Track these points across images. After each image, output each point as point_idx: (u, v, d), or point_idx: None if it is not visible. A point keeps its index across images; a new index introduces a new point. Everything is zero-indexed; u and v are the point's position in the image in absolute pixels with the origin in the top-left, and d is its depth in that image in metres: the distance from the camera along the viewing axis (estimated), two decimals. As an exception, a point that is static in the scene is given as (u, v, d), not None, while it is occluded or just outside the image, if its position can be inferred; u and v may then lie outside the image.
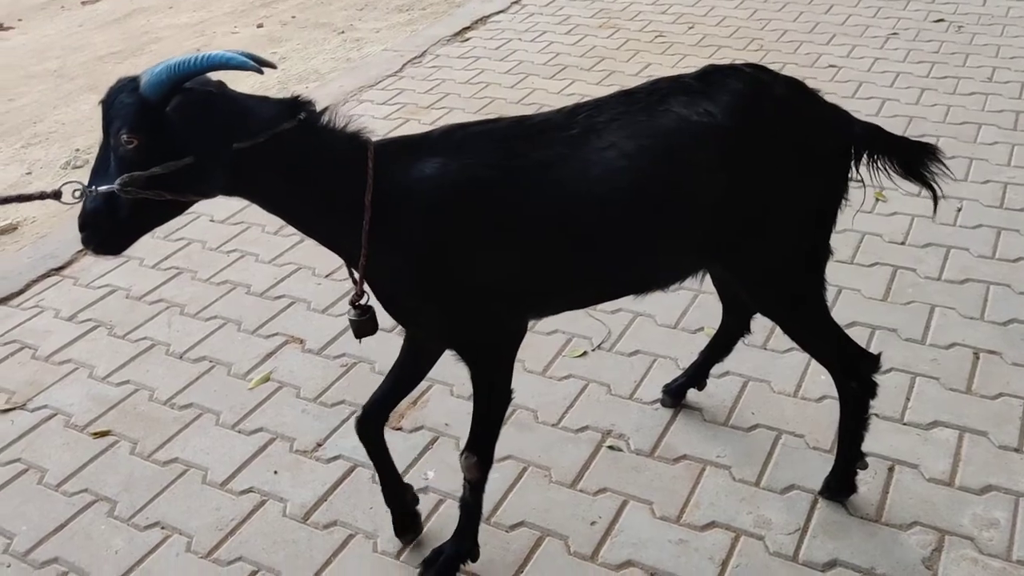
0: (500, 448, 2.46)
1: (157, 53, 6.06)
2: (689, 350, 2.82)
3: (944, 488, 2.30)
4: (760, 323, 2.93)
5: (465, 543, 2.10)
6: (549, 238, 1.85)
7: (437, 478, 2.42)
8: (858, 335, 2.85)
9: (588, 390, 2.71)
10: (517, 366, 2.69)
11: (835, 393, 2.60)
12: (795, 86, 1.99)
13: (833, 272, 3.18)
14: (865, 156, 2.00)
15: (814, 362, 2.74)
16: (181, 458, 2.54)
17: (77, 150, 4.77)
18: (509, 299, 1.93)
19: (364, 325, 1.94)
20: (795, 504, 2.29)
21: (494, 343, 1.99)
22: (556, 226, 1.84)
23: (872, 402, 2.18)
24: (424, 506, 2.33)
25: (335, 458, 2.49)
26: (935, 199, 2.07)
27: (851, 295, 3.03)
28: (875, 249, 3.28)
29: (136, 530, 2.32)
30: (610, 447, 2.50)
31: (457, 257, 1.84)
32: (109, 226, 1.70)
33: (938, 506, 2.25)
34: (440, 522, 2.30)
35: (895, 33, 5.18)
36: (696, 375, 2.57)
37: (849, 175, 2.01)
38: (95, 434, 2.65)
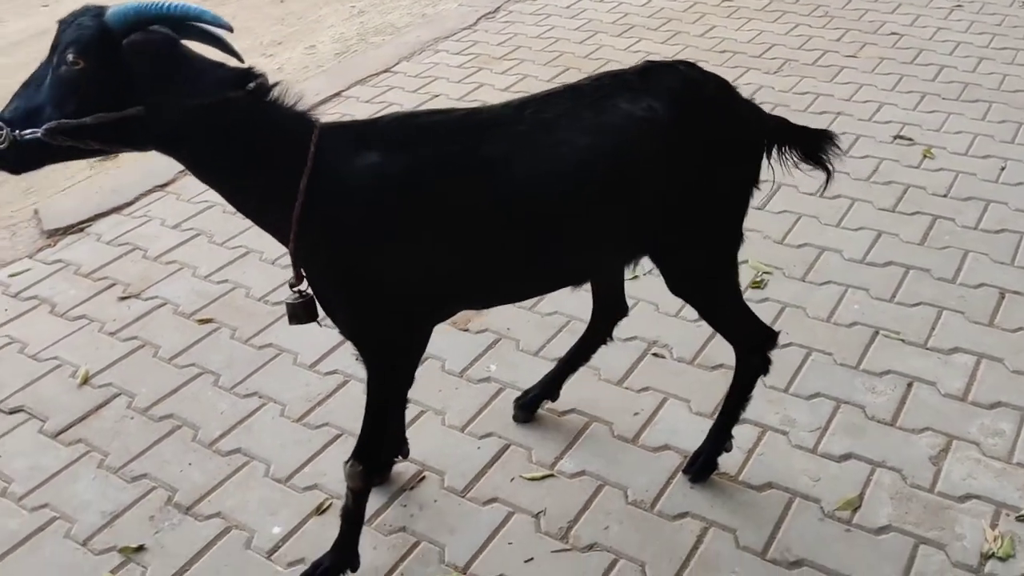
0: (553, 350, 2.82)
1: (236, 5, 6.47)
2: (733, 279, 3.12)
3: (957, 402, 2.57)
4: (802, 256, 3.21)
5: (344, 552, 2.12)
6: (493, 235, 1.86)
7: (498, 370, 2.78)
8: (892, 273, 3.12)
9: (638, 307, 3.02)
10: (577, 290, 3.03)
11: (866, 319, 2.90)
12: (723, 85, 2.09)
13: (875, 218, 3.45)
14: (775, 147, 2.14)
15: (849, 291, 3.04)
16: (275, 344, 2.94)
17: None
18: (434, 298, 1.95)
19: (297, 309, 1.93)
20: (818, 408, 2.59)
21: (403, 346, 2.01)
22: (501, 223, 1.85)
23: (764, 377, 2.35)
24: (487, 393, 2.69)
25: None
26: (828, 177, 2.22)
27: (890, 239, 3.29)
28: (918, 199, 3.52)
29: (237, 397, 2.73)
30: (655, 354, 2.82)
31: (390, 253, 1.83)
32: (14, 154, 1.69)
33: (949, 416, 2.53)
34: (500, 406, 2.65)
35: (959, 5, 5.33)
36: (552, 384, 2.58)
37: (760, 166, 2.15)
38: (200, 321, 3.07)
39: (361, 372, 2.83)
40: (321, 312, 1.98)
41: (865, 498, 2.30)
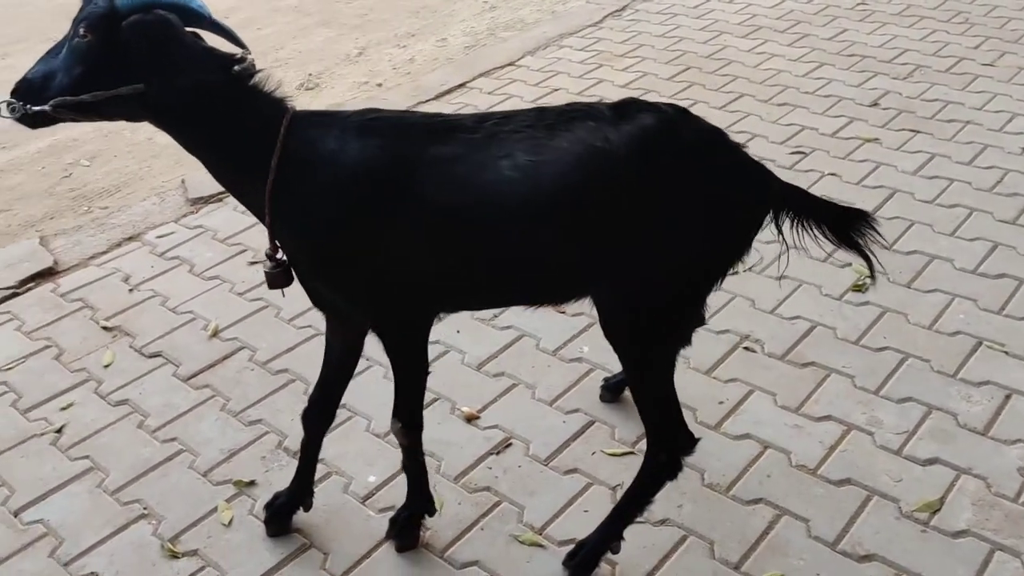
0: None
1: (382, -4, 6.83)
2: (835, 281, 3.14)
3: (1058, 418, 2.53)
4: (910, 263, 3.21)
5: (418, 501, 2.27)
6: (433, 231, 1.90)
7: (590, 352, 2.91)
8: (1005, 286, 3.06)
9: (734, 302, 3.09)
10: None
11: (971, 329, 2.88)
12: (711, 136, 1.97)
13: (994, 230, 3.37)
14: (787, 218, 1.97)
15: (956, 300, 3.01)
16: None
17: (310, 74, 5.57)
18: (394, 285, 1.99)
19: (276, 277, 2.06)
20: (908, 412, 2.60)
21: (396, 322, 2.07)
22: (440, 221, 1.89)
23: (668, 483, 2.16)
24: (577, 372, 2.83)
25: (507, 327, 3.04)
26: (871, 268, 2.01)
27: (1006, 251, 3.23)
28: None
29: (347, 358, 2.98)
30: (745, 348, 2.89)
31: (347, 235, 1.93)
32: (30, 119, 1.89)
33: (1048, 431, 2.49)
34: (589, 385, 2.79)
35: (1120, 13, 5.06)
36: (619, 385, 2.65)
37: (752, 238, 1.98)
38: (319, 288, 3.35)
39: (459, 347, 2.98)
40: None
41: (946, 502, 2.31)
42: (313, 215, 1.94)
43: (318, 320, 3.17)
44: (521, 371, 2.86)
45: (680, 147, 1.91)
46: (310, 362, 2.95)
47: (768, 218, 1.99)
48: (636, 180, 1.87)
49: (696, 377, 2.79)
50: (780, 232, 1.98)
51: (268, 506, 2.37)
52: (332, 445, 2.61)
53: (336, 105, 4.99)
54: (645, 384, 2.11)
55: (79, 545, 2.33)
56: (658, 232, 1.90)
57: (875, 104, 4.35)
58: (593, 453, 2.55)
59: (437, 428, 2.65)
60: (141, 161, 4.61)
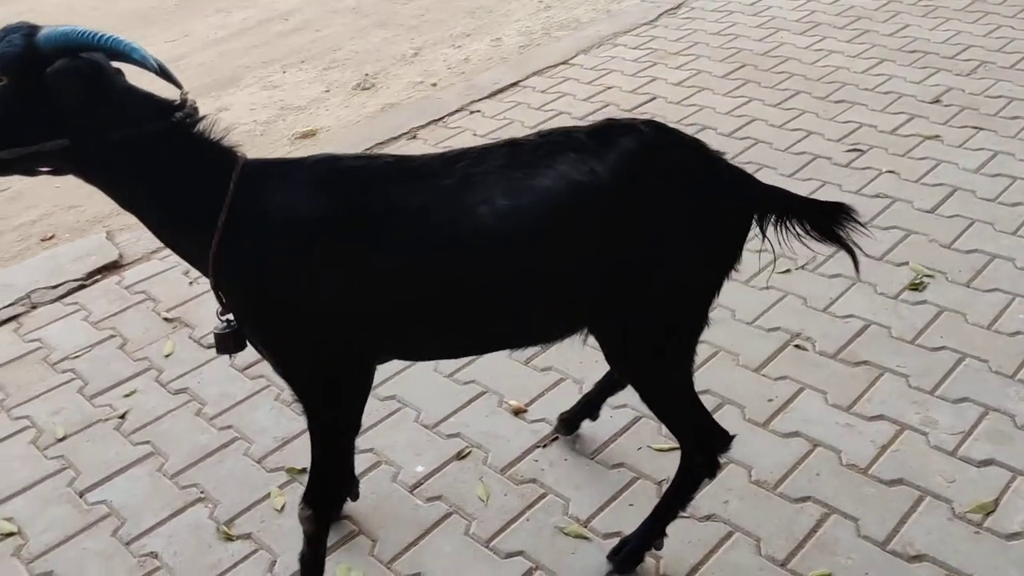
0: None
1: (438, -3, 6.92)
2: (891, 279, 3.10)
3: (1123, 421, 2.46)
4: (970, 262, 3.14)
5: None
6: (407, 290, 1.80)
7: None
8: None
9: (785, 300, 3.07)
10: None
11: (1029, 328, 2.80)
12: (693, 149, 1.92)
13: None
14: (773, 221, 1.94)
15: (1017, 300, 2.94)
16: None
17: (366, 75, 5.68)
18: (352, 343, 1.87)
19: (226, 340, 1.91)
20: (964, 412, 2.55)
21: (331, 393, 1.94)
22: (416, 278, 1.79)
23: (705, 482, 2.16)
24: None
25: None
26: (855, 260, 2.00)
27: None
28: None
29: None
30: (796, 346, 2.87)
31: (300, 295, 1.79)
32: None
33: (1112, 435, 2.42)
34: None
35: None
36: (590, 405, 2.55)
37: (743, 244, 1.95)
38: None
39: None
40: None
41: (1001, 504, 2.26)
42: (263, 276, 1.80)
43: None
44: (569, 366, 2.88)
45: (664, 166, 1.85)
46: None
47: (753, 222, 1.97)
48: (626, 209, 1.80)
49: (744, 374, 2.78)
50: (764, 235, 1.95)
51: None
52: (381, 435, 2.67)
53: (391, 104, 5.08)
54: (666, 405, 2.08)
55: (140, 526, 2.43)
56: (653, 256, 1.85)
57: (936, 101, 4.27)
58: (639, 448, 2.56)
59: (485, 421, 2.69)
60: (203, 159, 4.77)
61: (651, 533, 2.19)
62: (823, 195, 3.63)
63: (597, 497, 2.42)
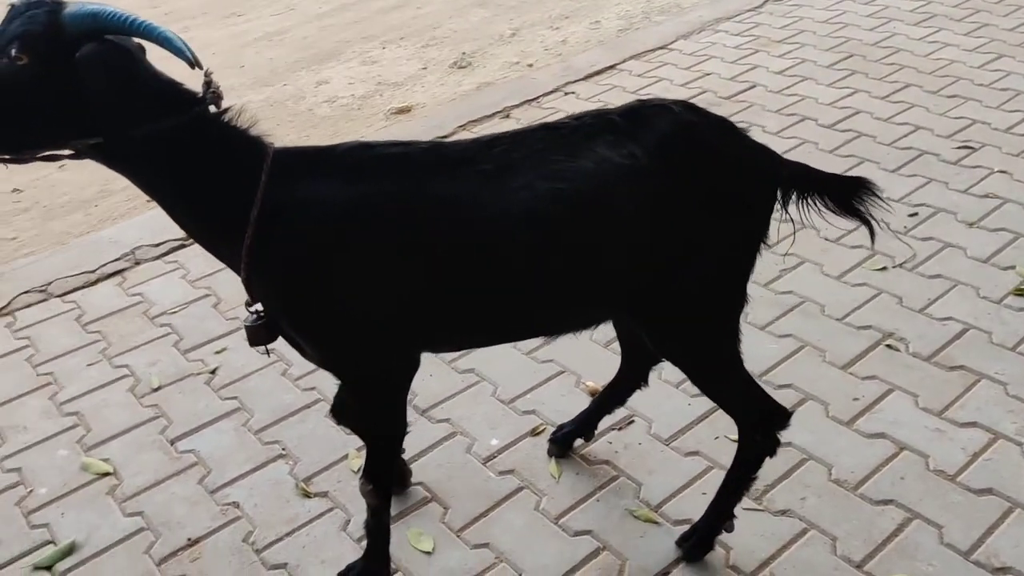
0: (781, 326, 2.88)
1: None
2: (996, 283, 2.97)
3: None
4: (1077, 265, 2.96)
5: (374, 564, 2.14)
6: (447, 278, 1.76)
7: (722, 338, 2.89)
8: None
9: (879, 298, 2.98)
10: (814, 268, 3.06)
11: None
12: (723, 127, 1.90)
13: None
14: (794, 196, 1.94)
15: None
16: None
17: (463, 53, 5.73)
18: (394, 335, 1.86)
19: (257, 332, 1.86)
20: (1066, 426, 2.43)
21: (377, 379, 1.93)
22: (456, 267, 1.75)
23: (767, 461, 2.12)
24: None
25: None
26: (872, 233, 1.99)
27: None
28: None
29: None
30: (888, 346, 2.78)
31: (339, 288, 1.75)
32: None
33: None
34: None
35: None
36: (586, 423, 2.49)
37: (770, 219, 1.95)
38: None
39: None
40: None
41: (1099, 523, 2.16)
42: (301, 270, 1.75)
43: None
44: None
45: (698, 145, 1.85)
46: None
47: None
48: (665, 190, 1.80)
49: (830, 371, 2.71)
50: (786, 210, 1.96)
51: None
52: (459, 407, 2.71)
53: (486, 83, 5.12)
54: (718, 384, 2.07)
55: (224, 476, 2.54)
56: (690, 235, 1.84)
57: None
58: (716, 438, 2.53)
59: (561, 399, 2.71)
60: (301, 131, 4.90)
61: (718, 518, 2.17)
62: (928, 193, 3.50)
63: (670, 483, 2.41)
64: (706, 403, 2.64)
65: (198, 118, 1.67)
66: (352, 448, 2.60)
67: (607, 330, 2.93)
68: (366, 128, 4.82)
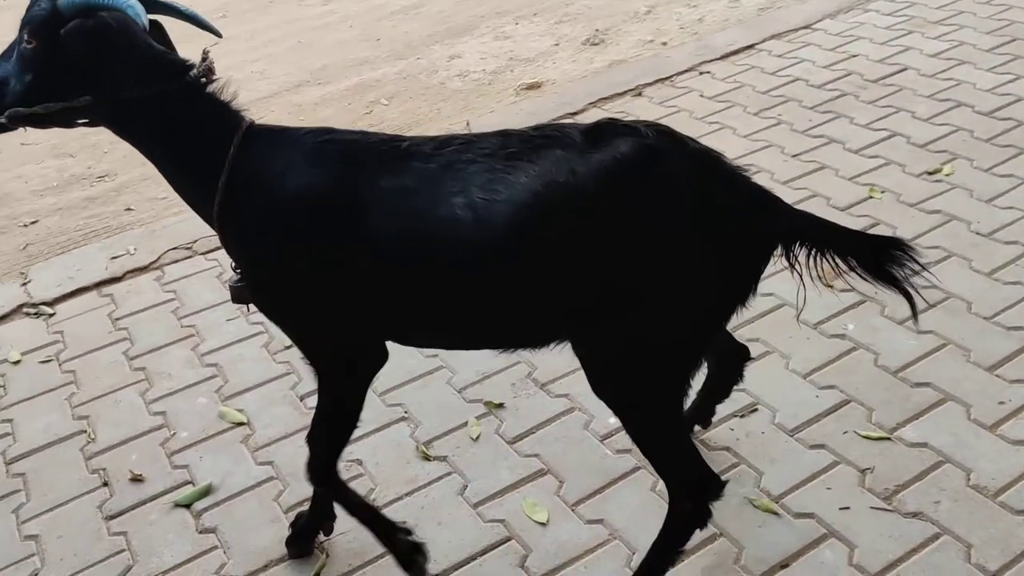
0: (921, 322, 2.76)
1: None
2: None
3: None
4: None
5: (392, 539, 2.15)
6: (377, 267, 1.78)
7: (855, 330, 2.79)
8: None
9: (1036, 299, 2.81)
10: (962, 263, 2.91)
11: None
12: (702, 161, 1.74)
13: None
14: (804, 252, 1.75)
15: None
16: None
17: (596, 30, 5.69)
18: (342, 321, 1.89)
19: (240, 292, 1.97)
20: None
21: (337, 360, 1.96)
22: (385, 258, 1.76)
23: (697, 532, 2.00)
24: (838, 349, 2.73)
25: (768, 294, 2.97)
26: (912, 307, 1.77)
27: None
28: None
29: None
30: (1042, 350, 2.62)
31: (285, 266, 1.84)
32: None
33: None
34: (850, 363, 2.68)
35: None
36: (701, 408, 2.39)
37: (758, 276, 1.79)
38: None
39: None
40: None
41: None
42: (255, 239, 1.86)
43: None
44: (776, 339, 2.80)
45: (662, 178, 1.70)
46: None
47: (778, 252, 1.79)
48: (608, 219, 1.68)
49: (975, 372, 2.58)
50: (792, 268, 1.77)
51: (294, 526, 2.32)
52: (577, 383, 2.71)
53: (618, 61, 5.08)
54: (652, 443, 1.94)
55: (348, 434, 2.65)
56: (635, 278, 1.72)
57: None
58: (845, 432, 2.46)
59: (683, 383, 2.68)
60: (433, 103, 5.00)
61: None
62: (1095, 188, 3.26)
63: (792, 475, 2.36)
64: (836, 395, 2.57)
65: (185, 86, 1.81)
66: (472, 416, 2.66)
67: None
68: (496, 103, 4.87)
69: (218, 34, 1.96)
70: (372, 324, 1.93)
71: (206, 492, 2.49)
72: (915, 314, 1.83)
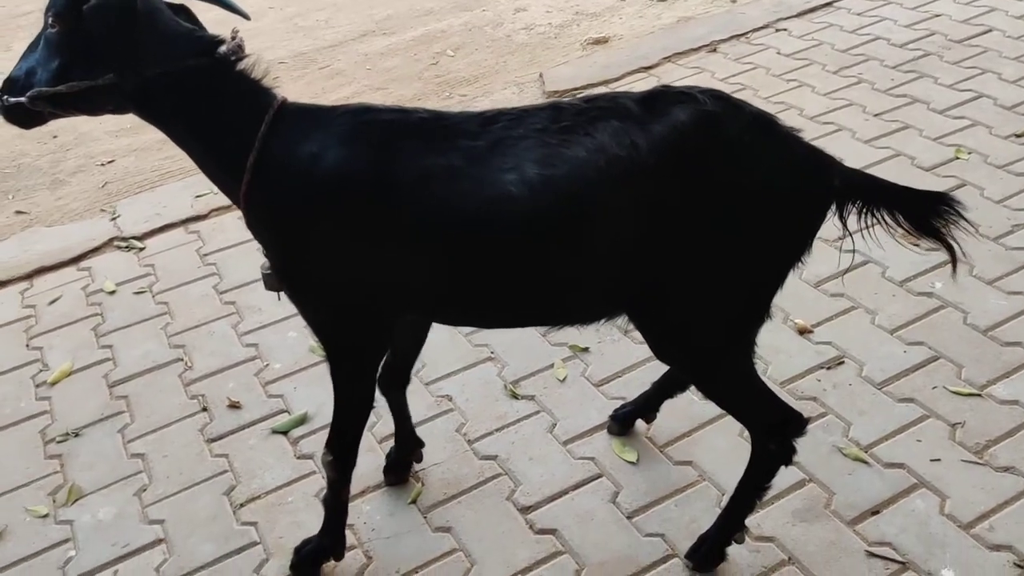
0: (1012, 283, 2.76)
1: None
2: None
3: None
4: None
5: (327, 539, 2.12)
6: (423, 253, 1.75)
7: (943, 288, 2.80)
8: None
9: None
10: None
11: None
12: (759, 124, 1.73)
13: None
14: (855, 209, 1.76)
15: None
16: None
17: (664, -14, 5.63)
18: (372, 305, 1.85)
19: (271, 280, 1.91)
20: None
21: (354, 347, 1.93)
22: (433, 245, 1.73)
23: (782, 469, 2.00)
24: (925, 306, 2.75)
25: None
26: (953, 260, 1.79)
27: None
28: None
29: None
30: None
31: (318, 248, 1.80)
32: (14, 115, 1.84)
33: None
34: (938, 321, 2.70)
35: None
36: (646, 406, 2.40)
37: (815, 233, 1.79)
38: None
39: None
40: None
41: None
42: (285, 222, 1.82)
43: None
44: (862, 295, 2.82)
45: (724, 146, 1.69)
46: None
47: (832, 210, 1.80)
48: (672, 192, 1.68)
49: (1067, 333, 2.59)
50: (845, 225, 1.79)
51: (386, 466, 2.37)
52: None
53: (686, 18, 5.04)
54: (724, 396, 1.97)
55: (437, 371, 2.72)
56: (705, 245, 1.72)
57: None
58: (934, 387, 2.48)
59: (768, 335, 2.66)
60: (499, 56, 5.01)
61: (728, 528, 2.07)
62: None
63: (881, 426, 2.39)
64: (924, 351, 2.60)
65: (214, 63, 1.78)
66: (557, 359, 2.72)
67: (818, 270, 2.91)
68: (563, 57, 4.87)
69: (246, 16, 1.91)
70: (397, 308, 1.91)
71: (302, 420, 2.58)
72: (955, 267, 1.84)
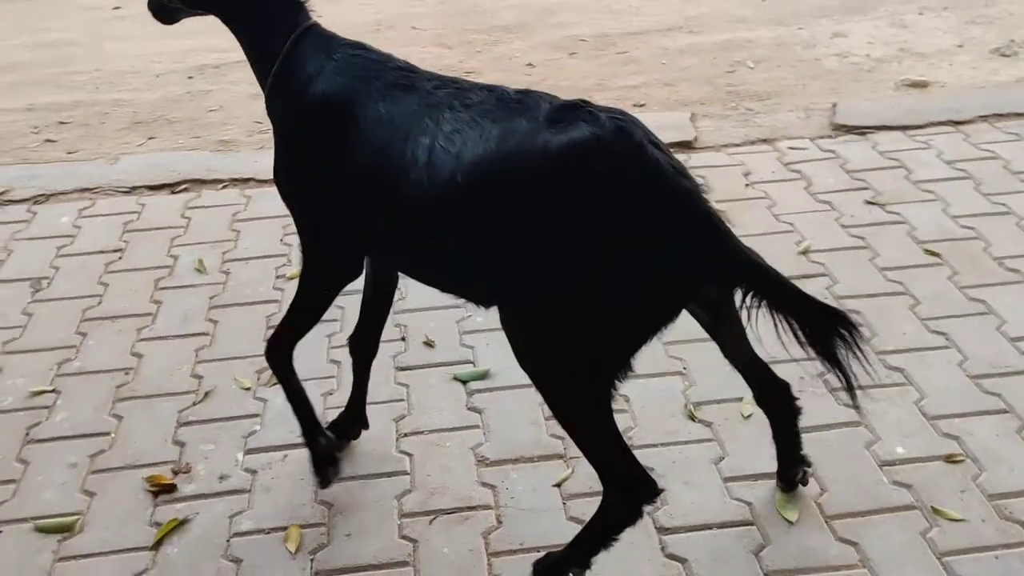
0: None
1: None
2: None
3: None
4: None
5: (305, 437, 2.32)
6: (356, 183, 1.95)
7: None
8: None
9: None
10: None
11: None
12: (647, 167, 1.68)
13: None
14: (739, 295, 1.73)
15: None
16: (982, 299, 2.95)
17: (1012, 40, 5.11)
18: (337, 223, 2.06)
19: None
20: None
21: (323, 257, 2.14)
22: (361, 176, 1.93)
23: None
24: None
25: None
26: (851, 390, 1.77)
27: None
28: None
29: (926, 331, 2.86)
30: None
31: (299, 156, 2.08)
32: (156, 9, 2.24)
33: None
34: None
35: None
36: (784, 462, 2.27)
37: (678, 300, 1.77)
38: (927, 251, 3.20)
39: None
40: None
41: None
42: (282, 130, 2.13)
43: (913, 283, 3.06)
44: None
45: (596, 176, 1.69)
46: (890, 319, 2.90)
47: (713, 289, 1.82)
48: (535, 202, 1.72)
49: None
50: (713, 306, 1.87)
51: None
52: (881, 398, 2.57)
53: (1028, 79, 4.54)
54: (575, 433, 1.94)
55: (623, 369, 2.72)
56: (555, 269, 1.73)
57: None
58: None
59: (984, 438, 2.43)
60: (800, 77, 4.81)
61: (571, 559, 2.04)
62: None
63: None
64: None
65: None
66: (749, 395, 2.60)
67: None
68: (870, 92, 4.59)
69: None
70: (356, 234, 2.10)
71: (483, 375, 2.70)
72: (854, 399, 1.84)
